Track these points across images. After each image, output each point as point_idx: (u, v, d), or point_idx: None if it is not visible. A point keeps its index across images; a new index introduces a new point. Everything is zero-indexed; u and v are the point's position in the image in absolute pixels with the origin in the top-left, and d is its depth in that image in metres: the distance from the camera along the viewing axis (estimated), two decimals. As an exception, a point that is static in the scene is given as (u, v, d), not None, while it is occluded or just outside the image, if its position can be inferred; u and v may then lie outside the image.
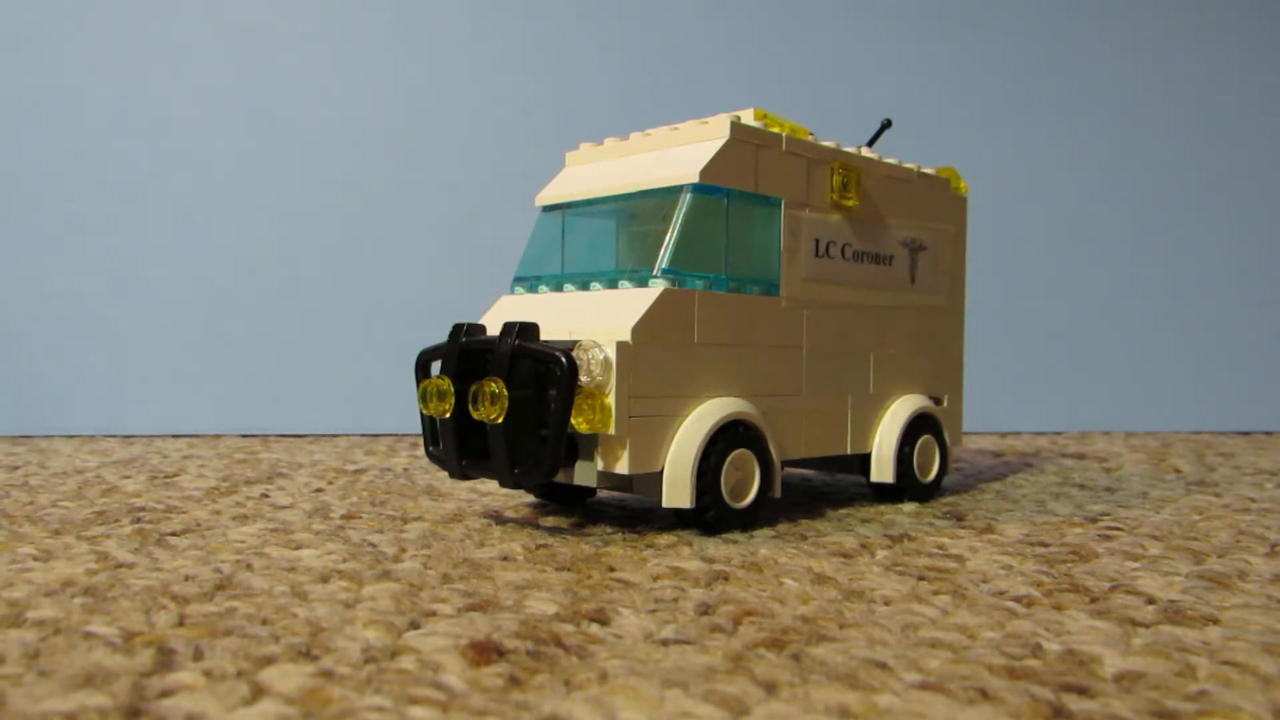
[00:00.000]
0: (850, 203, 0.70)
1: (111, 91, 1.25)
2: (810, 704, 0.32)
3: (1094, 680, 0.34)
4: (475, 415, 0.56)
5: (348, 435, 1.28)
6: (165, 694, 0.32)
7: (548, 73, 1.33)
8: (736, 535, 0.59)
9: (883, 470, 0.73)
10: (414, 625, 0.39)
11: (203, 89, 1.27)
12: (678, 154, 0.64)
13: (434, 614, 0.41)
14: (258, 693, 0.32)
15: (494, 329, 0.62)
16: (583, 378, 0.55)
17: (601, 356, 0.56)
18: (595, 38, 1.34)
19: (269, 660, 0.35)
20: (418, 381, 0.63)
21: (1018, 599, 0.45)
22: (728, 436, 0.60)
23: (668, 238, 0.61)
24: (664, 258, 0.60)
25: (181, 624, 0.39)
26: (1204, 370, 1.46)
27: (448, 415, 0.59)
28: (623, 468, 0.56)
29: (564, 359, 0.54)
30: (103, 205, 1.25)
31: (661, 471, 0.58)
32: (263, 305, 1.28)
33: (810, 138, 0.69)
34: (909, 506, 0.72)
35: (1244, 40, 1.48)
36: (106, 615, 0.40)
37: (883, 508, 0.71)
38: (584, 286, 0.65)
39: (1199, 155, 1.47)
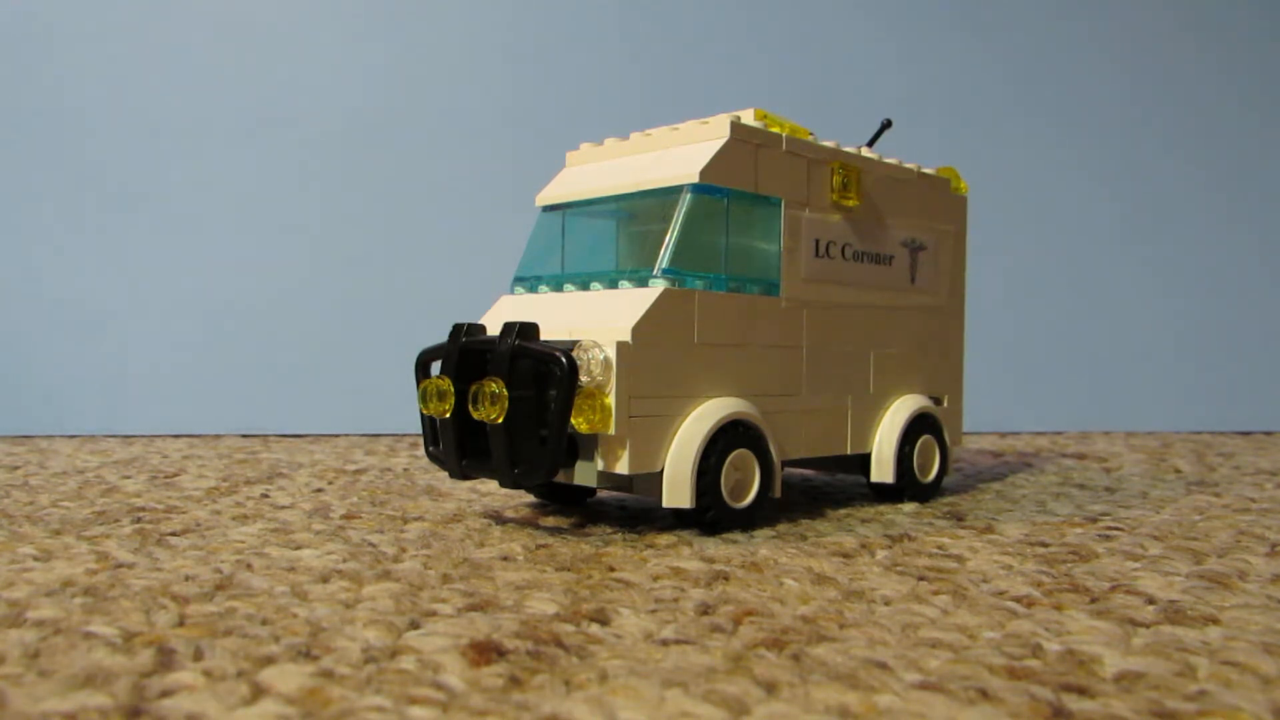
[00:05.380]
0: (850, 203, 0.70)
1: (112, 92, 1.25)
2: (810, 704, 0.32)
3: (1094, 680, 0.34)
4: (475, 415, 0.56)
5: (348, 435, 1.28)
6: (165, 694, 0.32)
7: (548, 73, 1.33)
8: (736, 535, 0.59)
9: (883, 470, 0.73)
10: (414, 625, 0.39)
11: (202, 90, 1.27)
12: (678, 154, 0.64)
13: (434, 614, 0.41)
14: (258, 693, 0.32)
15: (494, 329, 0.62)
16: (583, 378, 0.55)
17: (601, 356, 0.56)
18: (595, 37, 1.34)
19: (269, 660, 0.35)
20: (418, 381, 0.63)
21: (1018, 599, 0.45)
22: (728, 436, 0.60)
23: (668, 238, 0.61)
24: (664, 258, 0.60)
25: (181, 624, 0.39)
26: (1204, 370, 1.46)
27: (448, 415, 0.59)
28: (623, 468, 0.56)
29: (564, 359, 0.54)
30: (103, 206, 1.25)
31: (661, 471, 0.58)
32: (263, 305, 1.28)
33: (810, 138, 0.69)
34: (909, 506, 0.72)
35: (1244, 40, 1.48)
36: (106, 615, 0.40)
37: (883, 508, 0.71)
38: (584, 286, 0.65)
39: (1199, 155, 1.47)
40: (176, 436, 1.24)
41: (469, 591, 0.45)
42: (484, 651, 0.36)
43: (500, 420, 0.55)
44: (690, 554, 0.54)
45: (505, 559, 0.52)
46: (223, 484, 0.81)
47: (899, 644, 0.38)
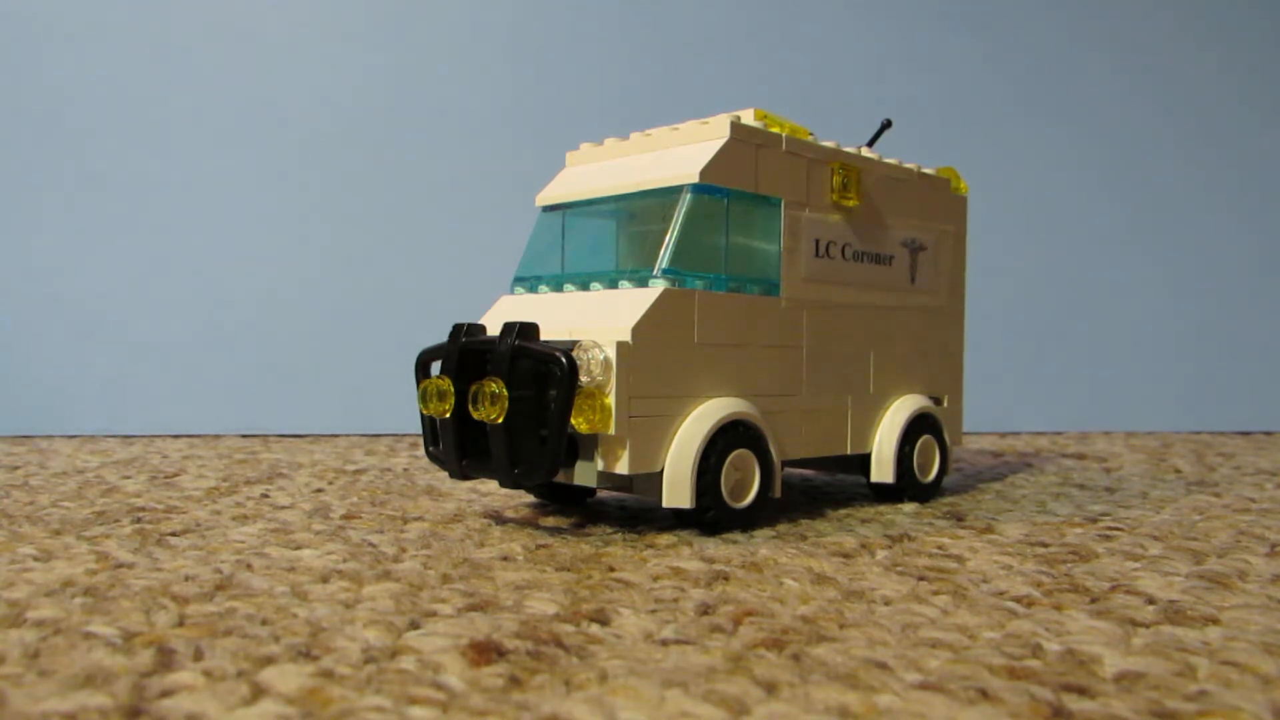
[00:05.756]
0: (850, 203, 0.70)
1: (111, 92, 1.25)
2: (810, 704, 0.32)
3: (1094, 680, 0.34)
4: (475, 415, 0.56)
5: (348, 435, 1.28)
6: (165, 694, 0.32)
7: (548, 72, 1.33)
8: (736, 535, 0.59)
9: (883, 470, 0.73)
10: (414, 625, 0.39)
11: (202, 90, 1.27)
12: (678, 154, 0.64)
13: (434, 614, 0.41)
14: (258, 693, 0.32)
15: (494, 329, 0.62)
16: (583, 378, 0.55)
17: (601, 356, 0.56)
18: (595, 37, 1.34)
19: (269, 660, 0.35)
20: (418, 381, 0.63)
21: (1018, 599, 0.45)
22: (728, 436, 0.60)
23: (668, 238, 0.61)
24: (664, 258, 0.60)
25: (181, 624, 0.39)
26: (1204, 370, 1.46)
27: (448, 415, 0.59)
28: (623, 468, 0.56)
29: (564, 359, 0.54)
30: (103, 206, 1.25)
31: (661, 471, 0.58)
32: (263, 305, 1.28)
33: (810, 138, 0.69)
34: (909, 506, 0.72)
35: (1244, 40, 1.48)
36: (106, 615, 0.40)
37: (883, 508, 0.71)
38: (584, 286, 0.65)
39: (1199, 155, 1.47)
40: (176, 436, 1.24)
41: (469, 591, 0.45)
42: (484, 651, 0.36)
43: (500, 420, 0.55)
44: (690, 554, 0.54)
45: (505, 559, 0.52)
46: (223, 484, 0.81)
47: (899, 644, 0.38)
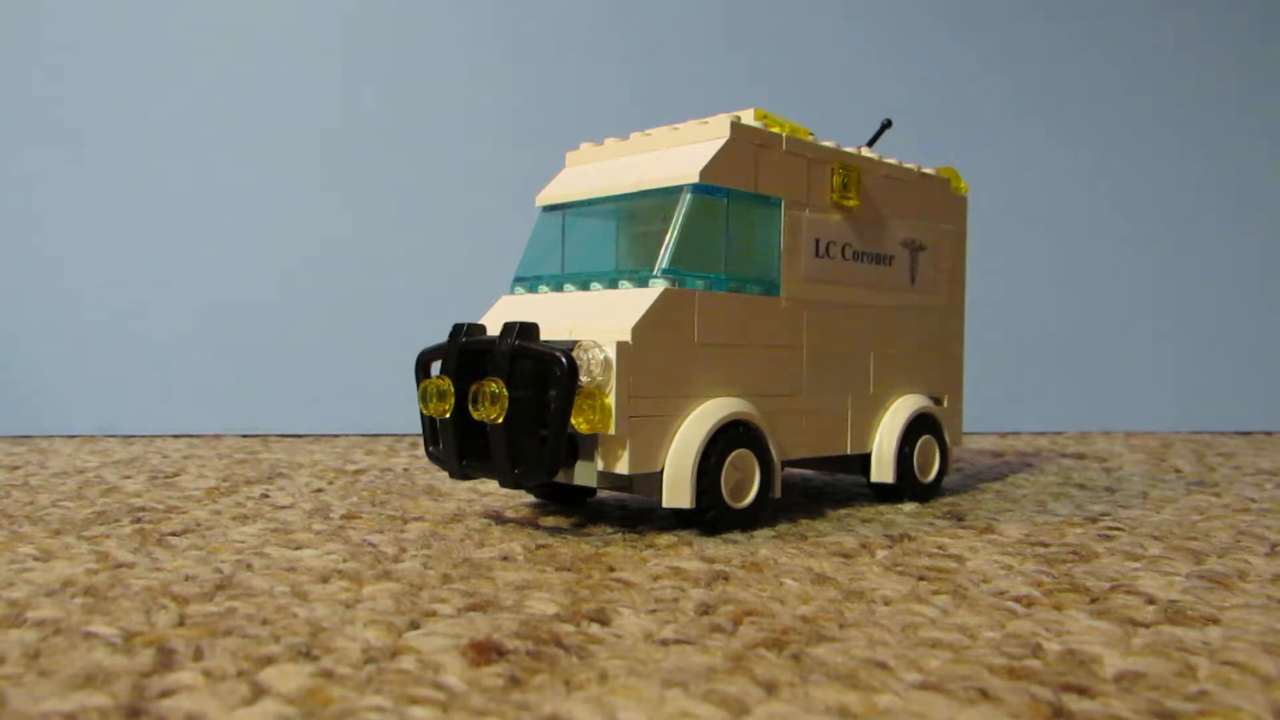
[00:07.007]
0: (850, 203, 0.70)
1: (110, 92, 1.25)
2: (810, 704, 0.32)
3: (1094, 680, 0.34)
4: (475, 415, 0.56)
5: (348, 435, 1.28)
6: (165, 694, 0.32)
7: (548, 73, 1.33)
8: (736, 535, 0.59)
9: (883, 470, 0.73)
10: (414, 625, 0.39)
11: (202, 89, 1.27)
12: (678, 154, 0.64)
13: (434, 614, 0.41)
14: (258, 693, 0.32)
15: (494, 329, 0.62)
16: (583, 378, 0.55)
17: (601, 356, 0.56)
18: (595, 38, 1.34)
19: (269, 660, 0.35)
20: (418, 381, 0.63)
21: (1018, 599, 0.45)
22: (728, 436, 0.60)
23: (668, 238, 0.61)
24: (664, 258, 0.60)
25: (181, 624, 0.39)
26: (1204, 370, 1.46)
27: (448, 415, 0.59)
28: (623, 468, 0.56)
29: (564, 359, 0.54)
30: (103, 205, 1.25)
31: (661, 471, 0.58)
32: (263, 305, 1.28)
33: (810, 138, 0.69)
34: (909, 506, 0.72)
35: (1243, 40, 1.48)
36: (106, 615, 0.40)
37: (883, 508, 0.71)
38: (584, 286, 0.65)
39: (1198, 156, 1.47)
40: (176, 436, 1.24)
41: (469, 591, 0.45)
42: (484, 651, 0.36)
43: (500, 420, 0.55)
44: (690, 554, 0.54)
45: (505, 559, 0.52)
46: (223, 484, 0.81)
47: (899, 644, 0.38)
